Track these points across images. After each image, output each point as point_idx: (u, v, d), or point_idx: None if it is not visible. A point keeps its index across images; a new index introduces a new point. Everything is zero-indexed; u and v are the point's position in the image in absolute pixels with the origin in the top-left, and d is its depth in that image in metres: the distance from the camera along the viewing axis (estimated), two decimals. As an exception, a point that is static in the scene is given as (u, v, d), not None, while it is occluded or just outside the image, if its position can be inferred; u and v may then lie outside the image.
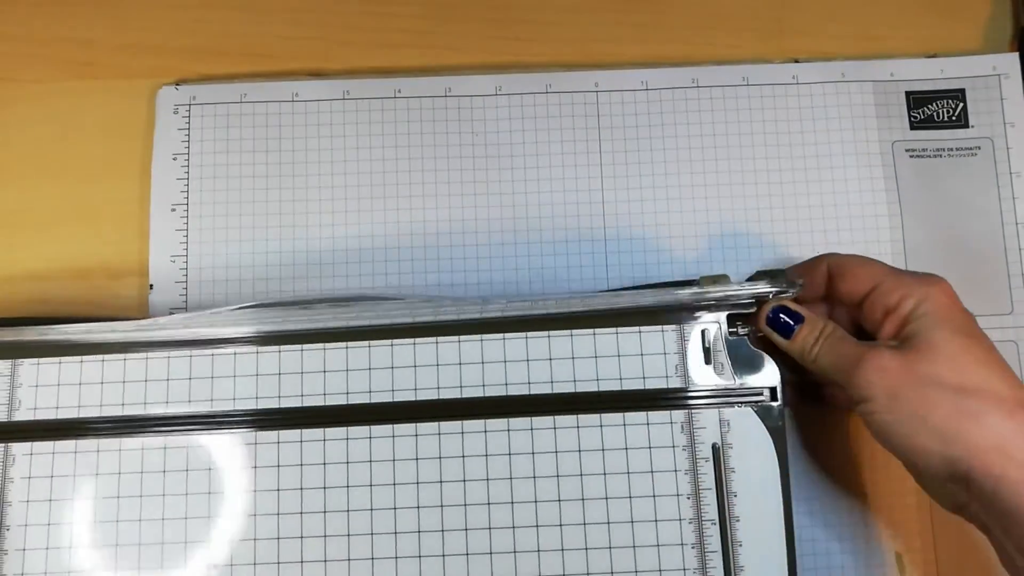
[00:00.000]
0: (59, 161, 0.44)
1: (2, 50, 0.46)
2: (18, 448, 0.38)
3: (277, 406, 0.38)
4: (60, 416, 0.38)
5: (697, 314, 0.38)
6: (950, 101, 0.45)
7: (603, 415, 0.38)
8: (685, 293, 0.37)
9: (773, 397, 0.38)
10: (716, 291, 0.37)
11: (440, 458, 0.37)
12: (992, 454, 0.32)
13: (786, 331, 0.37)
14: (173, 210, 0.44)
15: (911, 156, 0.45)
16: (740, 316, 0.38)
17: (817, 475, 0.41)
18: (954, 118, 0.45)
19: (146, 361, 0.39)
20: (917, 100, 0.45)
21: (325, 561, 0.37)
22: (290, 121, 0.45)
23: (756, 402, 0.38)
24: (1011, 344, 0.42)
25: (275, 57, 0.46)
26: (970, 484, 0.32)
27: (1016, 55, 0.46)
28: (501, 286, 0.43)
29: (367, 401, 0.38)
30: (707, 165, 0.44)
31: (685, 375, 0.38)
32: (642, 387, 0.38)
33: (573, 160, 0.44)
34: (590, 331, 0.38)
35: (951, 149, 0.45)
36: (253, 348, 0.39)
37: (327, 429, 0.38)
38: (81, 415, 0.38)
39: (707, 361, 0.38)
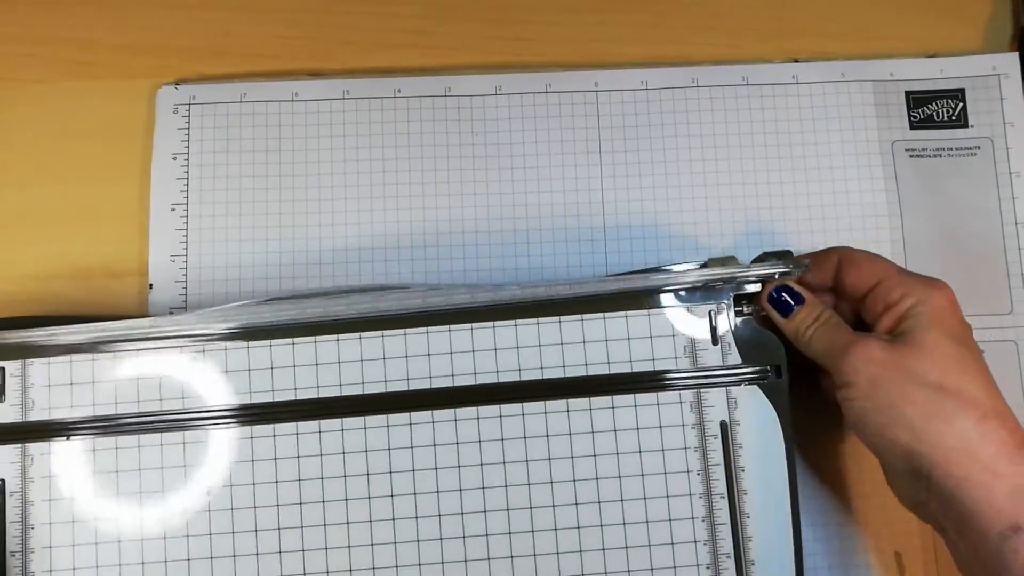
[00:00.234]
0: (59, 161, 0.44)
1: (2, 50, 0.46)
2: (36, 448, 0.38)
3: (316, 396, 0.39)
4: (75, 415, 0.38)
5: (704, 295, 0.39)
6: (950, 101, 0.45)
7: (614, 397, 0.39)
8: (693, 274, 0.38)
9: (778, 375, 0.38)
10: (723, 272, 0.38)
11: (457, 443, 0.38)
12: (957, 455, 0.32)
13: (786, 310, 0.38)
14: (173, 210, 0.44)
15: (911, 156, 0.45)
16: (746, 296, 0.39)
17: (816, 474, 0.41)
18: (954, 118, 0.45)
19: (160, 357, 0.39)
20: (917, 100, 0.45)
21: (349, 547, 0.38)
22: (290, 121, 0.45)
23: (762, 380, 0.38)
24: (1011, 344, 0.42)
25: (275, 57, 0.46)
26: (931, 483, 0.33)
27: (1016, 55, 0.46)
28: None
29: (383, 391, 0.39)
30: (707, 165, 0.44)
31: (693, 355, 0.39)
32: (652, 368, 0.39)
33: (573, 160, 0.44)
34: (600, 315, 0.39)
35: (951, 149, 0.45)
36: (286, 340, 0.39)
37: (344, 419, 0.38)
38: (96, 413, 0.38)
39: (714, 341, 0.39)
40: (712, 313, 0.39)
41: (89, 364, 0.39)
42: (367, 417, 0.38)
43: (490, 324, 0.39)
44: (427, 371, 0.39)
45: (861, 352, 0.34)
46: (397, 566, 0.38)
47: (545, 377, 0.39)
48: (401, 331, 0.39)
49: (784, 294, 0.38)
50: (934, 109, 0.45)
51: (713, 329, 0.39)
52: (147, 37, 0.46)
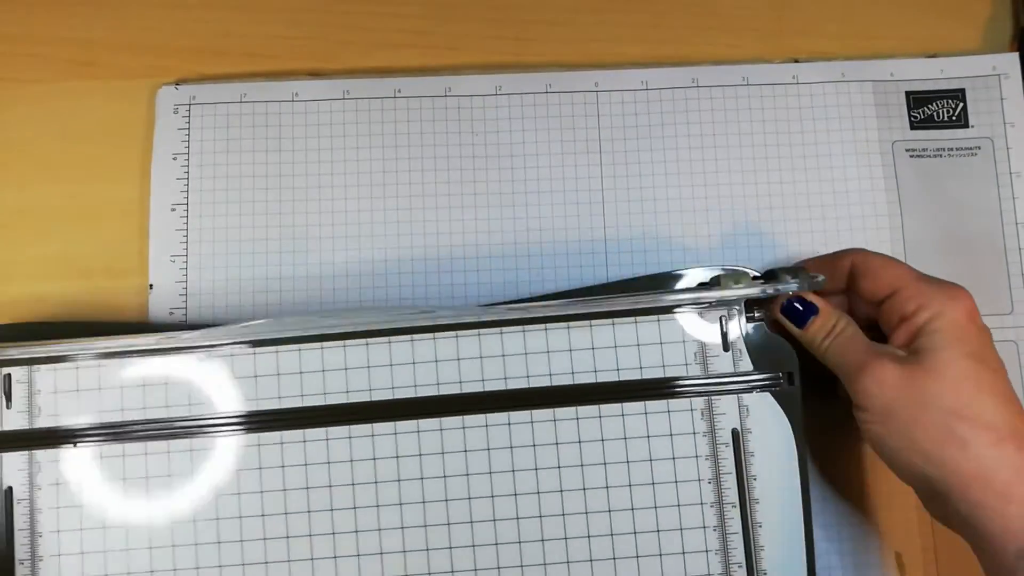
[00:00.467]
0: (59, 161, 0.44)
1: (2, 50, 0.46)
2: (43, 455, 0.38)
3: (323, 402, 0.39)
4: (81, 422, 0.38)
5: (715, 303, 0.39)
6: (950, 101, 0.45)
7: (624, 404, 0.38)
8: (706, 294, 0.38)
9: (790, 382, 0.38)
10: (736, 293, 0.38)
11: (465, 451, 0.38)
12: (971, 480, 0.32)
13: (800, 320, 0.37)
14: (173, 210, 0.44)
15: (911, 156, 0.45)
16: (757, 301, 0.39)
17: (817, 475, 0.41)
18: (954, 118, 0.45)
19: (166, 363, 0.39)
20: (917, 100, 0.45)
21: (358, 556, 0.38)
22: (290, 121, 0.45)
23: (774, 387, 0.38)
24: (1011, 344, 0.42)
25: (275, 57, 0.46)
26: (948, 504, 0.33)
27: (1016, 55, 0.45)
28: (500, 286, 0.43)
29: (390, 397, 0.38)
30: (707, 165, 0.44)
31: (704, 362, 0.39)
32: (662, 375, 0.39)
33: (573, 160, 0.44)
34: (609, 321, 0.39)
35: (951, 149, 0.45)
36: (292, 346, 0.39)
37: (352, 427, 0.38)
38: (103, 419, 0.38)
39: (725, 348, 0.39)
40: (723, 319, 0.39)
41: (95, 371, 0.39)
42: (375, 424, 0.38)
43: (497, 330, 0.39)
44: (434, 378, 0.39)
45: (875, 376, 0.34)
46: (407, 575, 0.37)
47: (554, 384, 0.39)
48: (408, 337, 0.39)
49: (797, 304, 0.37)
50: (934, 109, 0.45)
51: (724, 335, 0.39)
52: (147, 37, 0.46)
